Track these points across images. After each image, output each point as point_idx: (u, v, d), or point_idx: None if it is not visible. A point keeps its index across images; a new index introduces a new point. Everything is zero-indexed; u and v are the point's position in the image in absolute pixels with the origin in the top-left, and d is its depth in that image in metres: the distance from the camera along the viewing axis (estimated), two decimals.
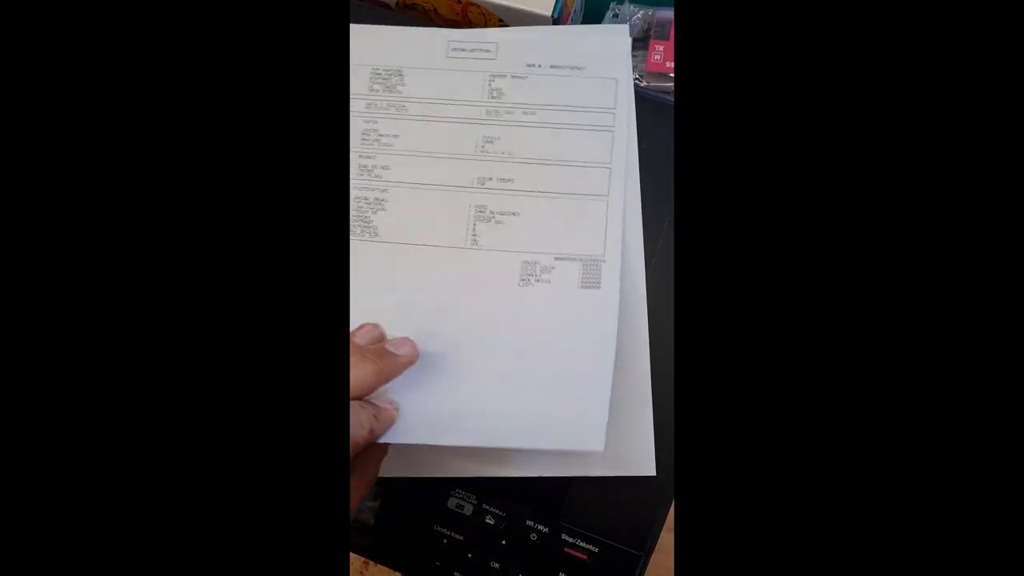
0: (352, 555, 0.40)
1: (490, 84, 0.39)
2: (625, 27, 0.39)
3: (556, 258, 0.37)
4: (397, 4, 0.44)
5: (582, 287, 0.36)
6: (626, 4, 0.46)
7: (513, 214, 0.37)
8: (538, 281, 0.37)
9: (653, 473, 0.35)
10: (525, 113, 0.38)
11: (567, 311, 0.36)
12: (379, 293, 0.37)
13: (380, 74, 0.39)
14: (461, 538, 0.36)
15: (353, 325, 0.37)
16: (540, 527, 0.36)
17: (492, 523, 0.36)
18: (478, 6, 0.42)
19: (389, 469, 0.34)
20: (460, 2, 0.42)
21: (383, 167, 0.38)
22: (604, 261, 0.37)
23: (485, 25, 0.43)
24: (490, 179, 0.38)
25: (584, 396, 0.35)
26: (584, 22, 0.48)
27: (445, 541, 0.36)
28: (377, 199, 0.38)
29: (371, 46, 0.40)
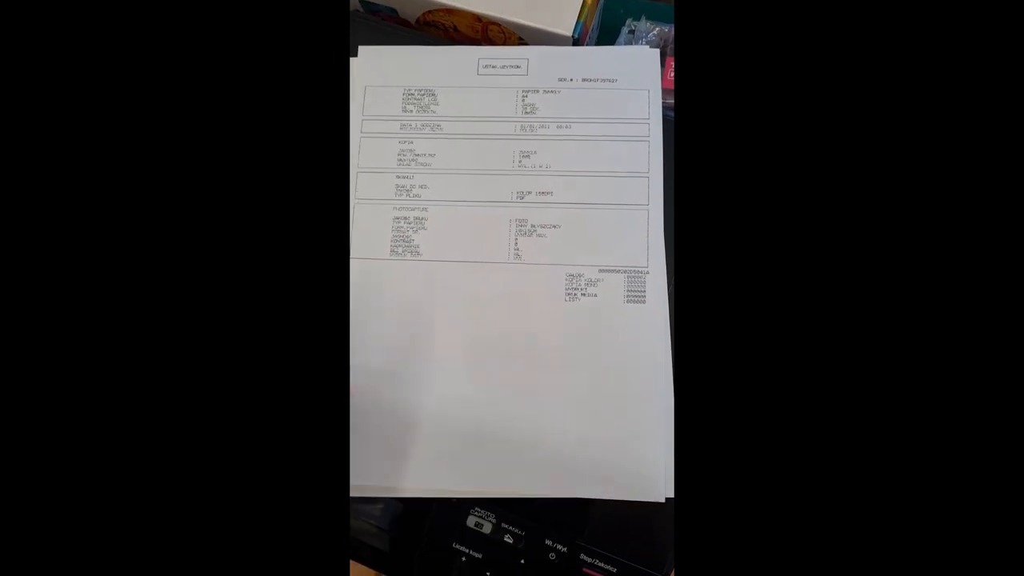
0: (371, 573, 0.39)
1: (523, 99, 0.39)
2: (656, 48, 0.40)
3: (600, 270, 0.37)
4: (417, 21, 0.44)
5: (628, 301, 0.36)
6: (642, 21, 0.46)
7: (554, 227, 0.37)
8: (584, 295, 0.36)
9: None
10: (559, 127, 0.38)
11: (616, 330, 0.36)
12: (425, 312, 0.36)
13: (413, 94, 0.39)
14: (480, 556, 0.36)
15: (399, 347, 0.36)
16: (559, 547, 0.36)
17: (511, 542, 0.36)
18: (498, 25, 0.42)
19: (408, 488, 0.35)
20: (481, 21, 0.42)
21: (421, 186, 0.38)
22: (648, 272, 0.36)
23: (505, 44, 0.43)
24: (529, 193, 0.38)
25: (641, 436, 0.35)
26: (600, 38, 0.48)
27: (463, 559, 0.36)
28: (417, 218, 0.37)
29: (401, 67, 0.39)
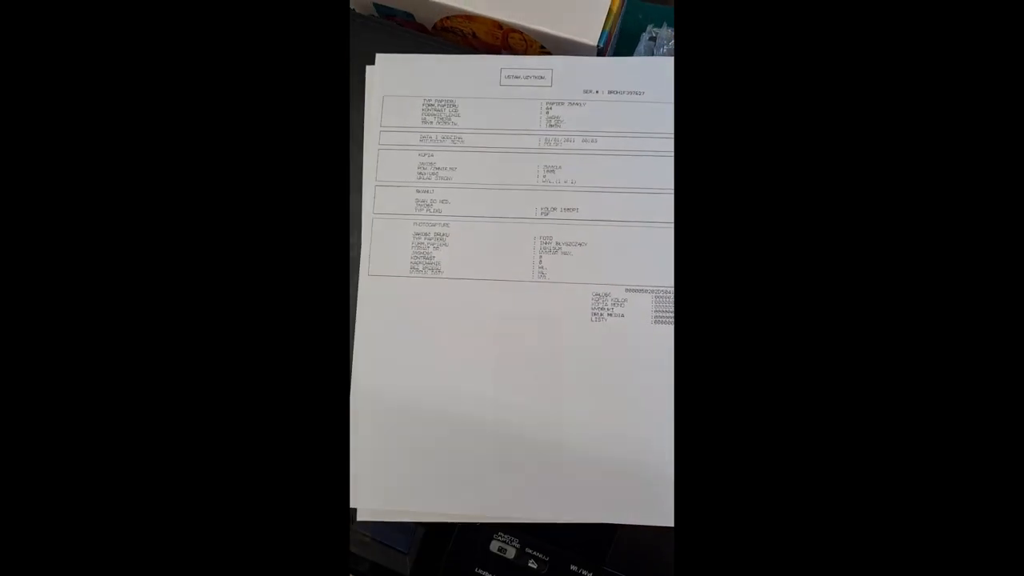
0: None
1: (547, 112, 0.37)
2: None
3: (627, 290, 0.36)
4: (434, 27, 0.43)
5: (655, 321, 0.35)
6: (664, 28, 0.45)
7: (580, 244, 0.36)
8: (611, 315, 0.35)
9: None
10: (585, 140, 0.37)
11: (643, 351, 0.35)
12: (446, 332, 0.35)
13: (433, 105, 0.38)
14: None
15: (419, 368, 0.35)
16: (584, 572, 0.35)
17: (535, 567, 0.35)
18: (520, 32, 0.41)
19: (428, 511, 0.35)
20: (501, 28, 0.41)
21: (442, 201, 0.37)
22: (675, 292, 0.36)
23: (526, 52, 0.42)
24: (554, 209, 0.36)
25: (668, 460, 0.34)
26: (619, 44, 0.47)
27: None
28: (438, 234, 0.36)
29: (421, 76, 0.38)
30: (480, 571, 0.35)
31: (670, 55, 0.45)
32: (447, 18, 0.41)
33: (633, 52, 0.46)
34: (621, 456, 0.34)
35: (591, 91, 0.38)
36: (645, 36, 0.46)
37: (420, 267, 0.36)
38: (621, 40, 0.47)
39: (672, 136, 0.37)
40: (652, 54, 0.46)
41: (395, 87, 0.38)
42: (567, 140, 0.37)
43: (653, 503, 0.34)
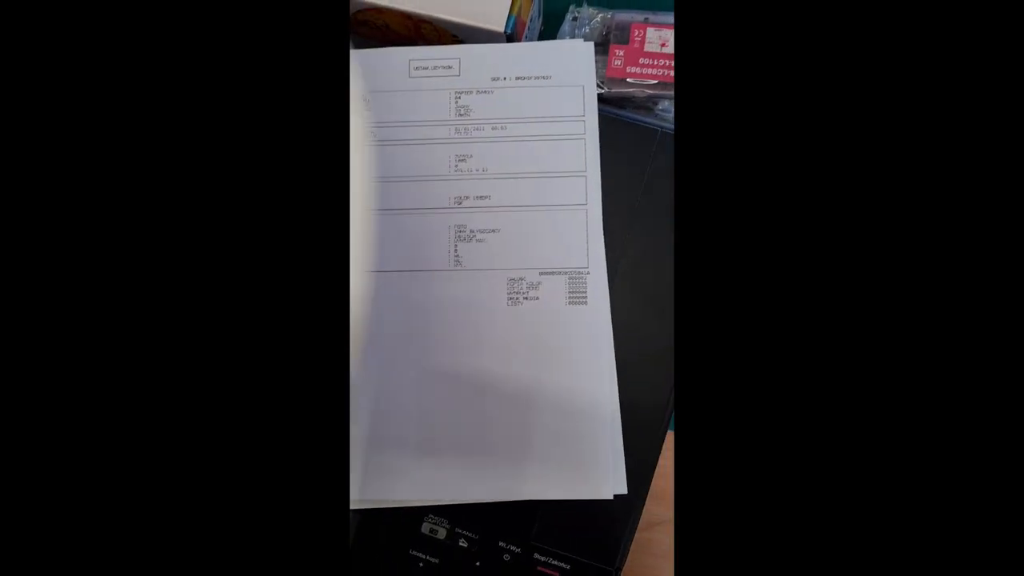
0: None
1: (456, 101, 0.38)
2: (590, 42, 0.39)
3: (541, 273, 0.36)
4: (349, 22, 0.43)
5: (570, 302, 0.36)
6: (584, 7, 0.45)
7: (493, 231, 0.37)
8: (526, 299, 0.36)
9: (624, 491, 0.35)
10: (494, 128, 0.38)
11: (559, 332, 0.36)
12: (366, 325, 0.36)
13: None
14: (437, 561, 0.37)
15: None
16: (512, 548, 0.36)
17: (466, 546, 0.37)
18: (430, 23, 0.41)
19: (360, 499, 0.36)
20: (411, 19, 0.41)
21: None
22: (588, 273, 0.36)
23: (439, 42, 0.42)
24: (467, 198, 0.37)
25: (589, 436, 0.35)
26: (543, 25, 0.47)
27: (421, 565, 0.37)
28: None
29: None
30: (415, 552, 0.37)
31: (592, 33, 0.45)
32: (359, 11, 0.42)
33: (557, 33, 0.46)
34: (549, 435, 0.35)
35: (499, 78, 0.38)
36: (568, 17, 0.46)
37: None
38: (548, 21, 0.48)
39: (580, 119, 0.37)
40: (574, 34, 0.46)
41: None
42: (476, 128, 0.38)
43: (591, 478, 0.35)
